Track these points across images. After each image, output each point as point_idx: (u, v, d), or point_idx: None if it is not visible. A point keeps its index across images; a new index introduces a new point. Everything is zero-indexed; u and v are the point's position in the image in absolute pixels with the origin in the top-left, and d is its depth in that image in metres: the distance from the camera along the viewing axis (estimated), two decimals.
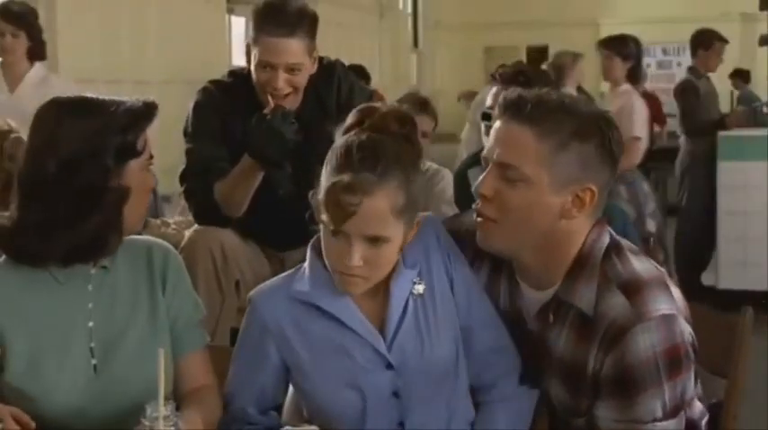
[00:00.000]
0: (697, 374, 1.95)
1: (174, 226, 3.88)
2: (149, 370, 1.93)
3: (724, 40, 6.89)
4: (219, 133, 3.11)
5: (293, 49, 2.93)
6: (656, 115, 9.45)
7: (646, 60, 12.44)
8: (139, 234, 2.08)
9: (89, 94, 1.99)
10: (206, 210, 3.12)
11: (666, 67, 12.68)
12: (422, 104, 4.13)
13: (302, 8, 3.00)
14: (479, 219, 1.91)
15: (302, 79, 3.00)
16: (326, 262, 1.84)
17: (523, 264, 1.95)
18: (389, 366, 1.85)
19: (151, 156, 1.99)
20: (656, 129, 9.53)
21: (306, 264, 1.92)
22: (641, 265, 1.89)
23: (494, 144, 1.88)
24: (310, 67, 3.02)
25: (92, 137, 1.90)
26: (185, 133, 3.19)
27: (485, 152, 1.93)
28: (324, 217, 1.78)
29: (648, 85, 10.11)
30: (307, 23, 2.96)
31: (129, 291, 2.01)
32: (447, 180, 4.01)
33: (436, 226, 1.96)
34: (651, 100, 9.73)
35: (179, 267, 2.08)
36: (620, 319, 1.81)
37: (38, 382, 1.92)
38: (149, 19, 6.43)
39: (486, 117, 3.02)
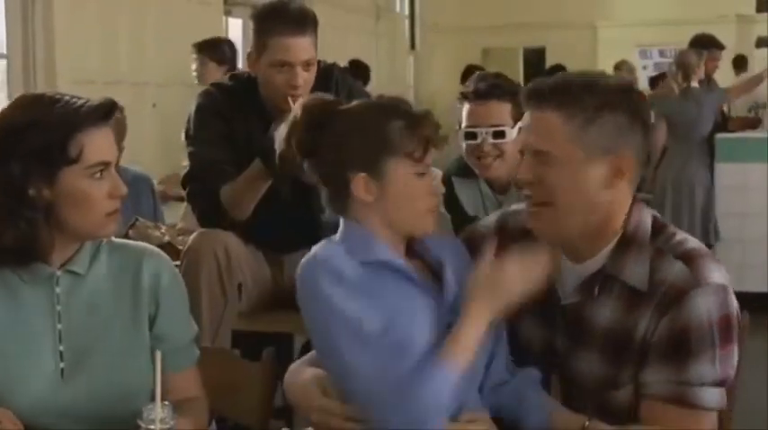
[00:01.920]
0: None
1: (164, 229, 3.86)
2: (123, 379, 1.93)
3: (720, 46, 6.93)
4: (222, 136, 3.12)
5: (306, 45, 3.01)
6: None
7: (642, 62, 12.51)
8: (126, 236, 2.06)
9: (55, 93, 1.92)
10: (210, 213, 3.12)
11: (663, 69, 12.68)
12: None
13: (303, 7, 3.08)
14: (533, 207, 1.96)
15: (312, 76, 3.06)
16: (412, 204, 1.93)
17: (568, 240, 1.98)
18: (449, 326, 1.89)
19: (105, 163, 1.89)
20: None
21: (344, 235, 1.95)
22: (693, 241, 1.96)
23: (526, 133, 1.97)
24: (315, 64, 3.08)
25: (9, 137, 1.84)
26: (187, 136, 3.19)
27: (520, 143, 2.04)
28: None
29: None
30: (312, 20, 3.05)
31: (109, 299, 1.97)
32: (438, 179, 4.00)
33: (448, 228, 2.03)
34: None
35: (172, 282, 2.03)
36: (678, 283, 1.87)
37: (2, 382, 1.89)
38: (147, 20, 6.41)
39: (471, 136, 3.02)
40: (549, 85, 1.93)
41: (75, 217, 1.89)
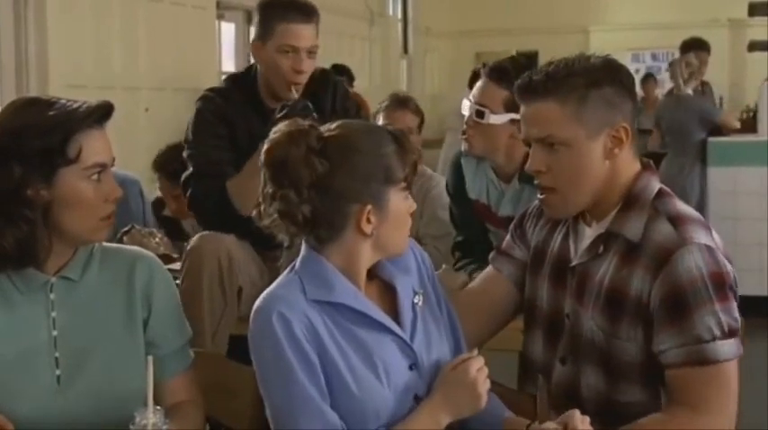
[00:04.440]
0: None
1: (158, 239, 3.84)
2: (119, 384, 1.92)
3: (707, 49, 6.97)
4: (222, 138, 3.15)
5: (311, 33, 3.16)
6: None
7: (634, 66, 12.54)
8: (121, 242, 2.06)
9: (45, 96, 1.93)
10: (211, 216, 3.13)
11: (656, 73, 12.69)
12: (401, 101, 4.11)
13: None
14: (542, 194, 2.10)
15: (313, 66, 3.19)
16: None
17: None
18: (412, 367, 1.89)
19: (102, 165, 1.91)
20: None
21: (305, 269, 1.89)
22: (690, 209, 2.06)
23: (526, 126, 2.07)
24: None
25: (6, 139, 1.85)
26: (186, 140, 3.20)
27: (523, 135, 2.10)
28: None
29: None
30: (316, 12, 3.21)
31: (103, 304, 1.97)
32: (441, 185, 4.01)
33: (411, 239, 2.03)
34: None
35: (165, 286, 2.04)
36: (665, 243, 1.95)
37: None
38: (140, 25, 6.41)
39: (480, 114, 3.06)
40: (536, 78, 2.04)
41: (71, 219, 1.89)
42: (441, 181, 4.02)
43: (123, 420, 1.74)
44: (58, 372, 1.92)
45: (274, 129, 1.87)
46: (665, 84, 10.26)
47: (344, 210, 1.84)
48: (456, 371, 1.87)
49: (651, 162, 2.14)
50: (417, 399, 1.88)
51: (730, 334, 1.93)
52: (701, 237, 1.96)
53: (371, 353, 1.85)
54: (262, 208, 1.86)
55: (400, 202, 1.89)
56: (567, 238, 2.14)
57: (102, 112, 1.91)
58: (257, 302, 1.87)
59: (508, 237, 2.32)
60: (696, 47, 7.07)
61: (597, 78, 2.02)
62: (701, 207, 6.52)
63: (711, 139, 6.53)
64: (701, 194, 6.55)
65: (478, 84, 3.12)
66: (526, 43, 12.69)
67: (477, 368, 1.85)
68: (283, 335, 1.79)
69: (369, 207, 1.84)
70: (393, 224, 1.88)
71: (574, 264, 2.09)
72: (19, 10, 5.50)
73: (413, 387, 1.88)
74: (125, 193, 4.32)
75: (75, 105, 1.89)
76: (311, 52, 3.14)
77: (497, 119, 3.02)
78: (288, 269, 1.92)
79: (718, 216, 6.52)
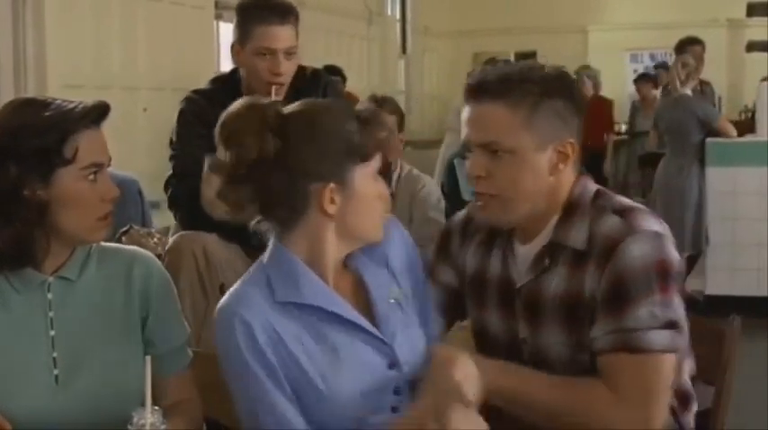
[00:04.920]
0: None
1: (157, 239, 3.84)
2: (117, 384, 1.92)
3: (700, 44, 6.98)
4: (204, 140, 3.12)
5: (288, 34, 3.13)
6: (606, 120, 9.51)
7: (633, 66, 12.55)
8: (119, 242, 2.07)
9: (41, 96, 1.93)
10: (190, 216, 3.13)
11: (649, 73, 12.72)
12: (377, 102, 4.11)
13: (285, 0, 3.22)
14: (479, 200, 1.99)
15: (294, 67, 3.16)
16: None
17: (519, 224, 2.02)
18: (390, 364, 1.84)
19: (99, 165, 1.90)
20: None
21: (272, 264, 1.84)
22: (633, 202, 2.00)
23: (471, 128, 1.97)
24: (297, 58, 3.18)
25: (3, 139, 1.85)
26: (171, 142, 3.21)
27: (465, 138, 2.00)
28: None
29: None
30: (293, 11, 3.18)
31: (101, 304, 1.97)
32: (430, 185, 4.02)
33: (401, 227, 2.00)
34: (602, 104, 9.78)
35: (163, 285, 2.04)
36: (613, 234, 1.89)
37: None
38: (138, 25, 6.42)
39: None
40: (489, 78, 1.94)
41: (68, 219, 1.88)
42: (429, 181, 4.03)
43: (121, 420, 1.74)
44: (56, 372, 1.92)
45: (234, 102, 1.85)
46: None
47: (304, 188, 1.78)
48: (442, 377, 1.79)
49: (585, 169, 2.07)
50: (398, 393, 1.84)
51: (666, 325, 1.86)
52: (651, 224, 1.90)
53: (341, 353, 1.80)
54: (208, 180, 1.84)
55: (367, 182, 1.82)
56: (505, 261, 2.04)
57: (99, 112, 1.91)
58: (223, 299, 1.83)
59: (433, 259, 2.19)
60: (689, 43, 7.08)
61: (551, 89, 1.93)
62: (700, 207, 6.53)
63: (710, 140, 6.52)
64: (700, 195, 6.55)
65: None
66: (525, 43, 12.71)
67: (460, 371, 1.78)
68: (244, 341, 1.76)
69: (331, 185, 1.77)
70: (360, 206, 1.81)
71: (519, 285, 2.00)
72: (17, 10, 5.50)
73: (391, 383, 1.84)
74: (124, 194, 4.34)
75: (71, 106, 1.89)
76: (289, 53, 3.12)
77: None
78: (257, 262, 1.88)
79: (717, 216, 6.52)
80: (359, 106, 4.22)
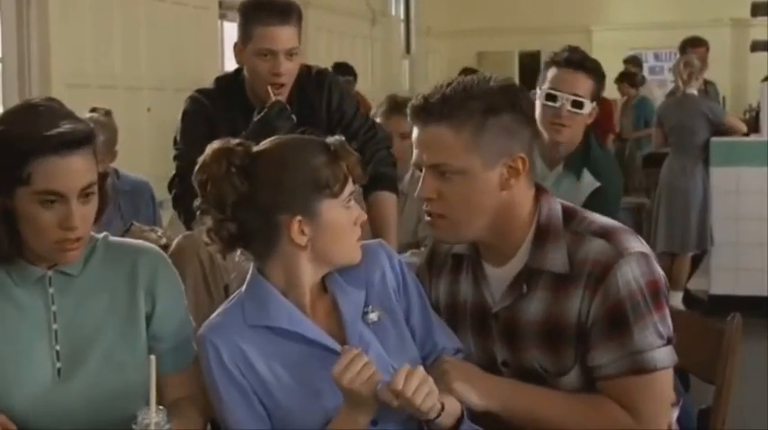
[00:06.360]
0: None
1: (160, 233, 3.84)
2: (120, 378, 1.93)
3: (703, 45, 6.98)
4: (208, 139, 3.11)
5: (289, 34, 3.09)
6: (607, 121, 9.47)
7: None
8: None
9: (42, 104, 1.90)
10: (195, 216, 3.12)
11: (658, 73, 12.69)
12: (395, 105, 4.11)
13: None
14: (429, 218, 1.98)
15: (296, 67, 3.13)
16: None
17: (484, 244, 2.01)
18: None
19: (57, 194, 1.83)
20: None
21: (249, 291, 1.93)
22: (604, 219, 1.99)
23: (419, 150, 1.95)
24: (300, 57, 3.16)
25: None
26: (174, 142, 3.21)
27: (414, 159, 1.98)
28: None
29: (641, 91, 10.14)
30: (295, 11, 3.15)
31: (105, 297, 1.97)
32: None
33: (388, 250, 2.02)
34: (603, 105, 9.71)
35: (168, 280, 2.04)
36: (602, 258, 1.89)
37: None
38: (142, 25, 6.42)
39: (552, 98, 3.15)
40: (431, 101, 1.91)
41: (27, 234, 1.88)
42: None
43: (124, 413, 1.75)
44: (58, 365, 1.93)
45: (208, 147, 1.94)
46: (667, 83, 10.26)
47: (272, 222, 1.86)
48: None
49: (540, 183, 2.04)
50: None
51: (668, 341, 1.90)
52: (635, 245, 1.91)
53: (305, 372, 1.86)
54: (201, 221, 1.93)
55: (337, 212, 1.88)
56: (477, 285, 2.03)
57: (74, 139, 1.85)
58: (201, 328, 1.93)
59: None
60: (693, 44, 7.07)
61: (496, 104, 1.90)
62: (704, 207, 6.52)
63: (714, 139, 6.52)
64: (705, 194, 6.54)
65: (563, 75, 3.16)
66: (528, 43, 12.73)
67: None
68: (214, 364, 1.87)
69: (298, 217, 1.85)
70: (330, 235, 1.88)
71: (496, 310, 1.99)
72: (21, 10, 5.52)
73: None
74: (135, 199, 4.33)
75: (50, 125, 1.84)
76: (291, 54, 3.09)
77: (590, 108, 3.15)
78: (237, 291, 1.96)
79: (721, 216, 6.51)
80: (375, 109, 4.19)
